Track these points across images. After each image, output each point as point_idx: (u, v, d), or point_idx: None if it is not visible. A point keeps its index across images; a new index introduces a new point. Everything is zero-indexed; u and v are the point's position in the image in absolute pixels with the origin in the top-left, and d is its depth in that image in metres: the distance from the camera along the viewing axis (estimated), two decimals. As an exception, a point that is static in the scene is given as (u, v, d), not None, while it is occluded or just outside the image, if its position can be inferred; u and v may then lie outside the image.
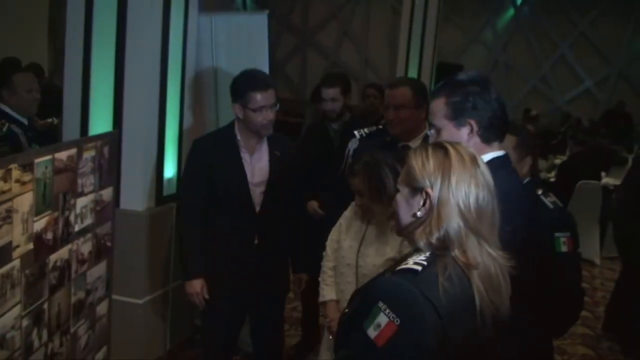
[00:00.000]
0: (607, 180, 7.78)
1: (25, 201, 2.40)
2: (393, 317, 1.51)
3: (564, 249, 2.83)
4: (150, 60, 3.90)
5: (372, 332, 1.52)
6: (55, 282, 2.71)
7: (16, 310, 2.43)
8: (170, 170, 4.14)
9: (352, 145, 3.69)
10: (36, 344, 2.62)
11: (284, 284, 3.57)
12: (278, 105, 3.33)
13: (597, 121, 11.65)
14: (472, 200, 1.65)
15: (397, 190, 1.78)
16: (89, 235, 2.97)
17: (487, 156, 2.17)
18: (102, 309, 3.22)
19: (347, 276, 2.99)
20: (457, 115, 2.20)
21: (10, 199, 2.30)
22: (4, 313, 2.36)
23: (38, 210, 2.50)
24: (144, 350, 4.09)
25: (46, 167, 2.52)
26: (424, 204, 1.69)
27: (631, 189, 5.16)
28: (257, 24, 4.46)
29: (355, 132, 3.72)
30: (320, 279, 3.13)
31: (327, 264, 3.11)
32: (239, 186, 3.32)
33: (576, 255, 2.96)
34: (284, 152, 3.43)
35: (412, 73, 9.28)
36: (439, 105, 2.22)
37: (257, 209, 3.36)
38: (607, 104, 14.52)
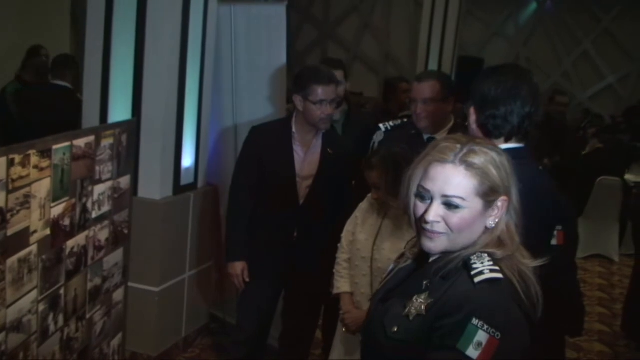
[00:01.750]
0: (628, 176, 7.70)
1: (43, 187, 2.42)
2: (493, 332, 1.46)
3: (553, 241, 2.76)
4: (170, 49, 3.91)
5: (473, 352, 1.46)
6: (72, 268, 2.74)
7: (33, 294, 2.46)
8: (188, 159, 4.15)
9: (378, 138, 3.68)
10: (52, 328, 2.65)
11: (321, 279, 3.50)
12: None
13: (618, 117, 11.48)
14: (517, 199, 1.64)
15: (453, 207, 1.58)
16: (106, 222, 2.99)
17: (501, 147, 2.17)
18: (118, 295, 3.25)
19: (361, 269, 2.99)
20: (468, 99, 2.34)
21: (29, 185, 2.33)
22: (21, 297, 2.39)
23: (55, 196, 2.52)
24: (159, 337, 4.12)
25: (64, 154, 2.54)
26: (497, 212, 1.62)
27: None
28: (275, 15, 4.45)
29: (381, 125, 3.72)
30: (334, 270, 3.12)
31: (342, 255, 3.11)
32: (286, 177, 3.36)
33: (569, 250, 2.89)
34: (337, 150, 3.45)
35: (433, 66, 9.27)
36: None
37: (301, 201, 3.40)
38: (629, 100, 14.34)
